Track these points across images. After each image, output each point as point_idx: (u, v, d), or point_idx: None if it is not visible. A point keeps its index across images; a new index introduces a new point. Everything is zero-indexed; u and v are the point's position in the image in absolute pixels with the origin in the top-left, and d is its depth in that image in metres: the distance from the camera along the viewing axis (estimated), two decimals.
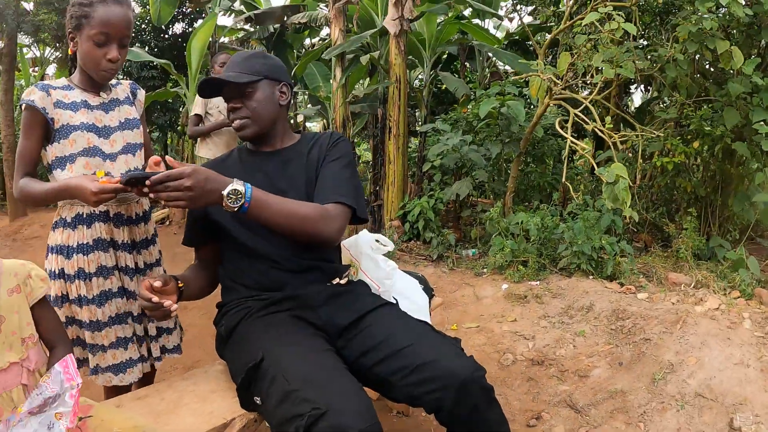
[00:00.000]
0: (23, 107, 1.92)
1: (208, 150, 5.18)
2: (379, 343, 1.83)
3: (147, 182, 1.58)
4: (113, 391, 2.08)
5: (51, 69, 15.13)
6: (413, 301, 2.40)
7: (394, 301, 2.18)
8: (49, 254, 2.03)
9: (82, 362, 2.08)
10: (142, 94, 2.28)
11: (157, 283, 1.72)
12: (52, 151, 1.95)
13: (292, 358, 1.66)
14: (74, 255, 1.97)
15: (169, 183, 1.60)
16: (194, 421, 1.77)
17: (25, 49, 15.10)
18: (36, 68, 15.92)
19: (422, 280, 2.80)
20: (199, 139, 5.25)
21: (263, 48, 10.35)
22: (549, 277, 4.64)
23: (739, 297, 3.69)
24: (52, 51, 11.22)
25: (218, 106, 5.08)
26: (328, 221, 1.89)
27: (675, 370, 3.05)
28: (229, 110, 2.02)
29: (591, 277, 4.48)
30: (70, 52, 2.03)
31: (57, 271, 2.00)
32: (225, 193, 1.68)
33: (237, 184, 1.71)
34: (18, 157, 1.96)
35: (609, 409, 3.02)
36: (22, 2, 8.37)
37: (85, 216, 1.98)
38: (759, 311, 3.40)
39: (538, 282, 4.56)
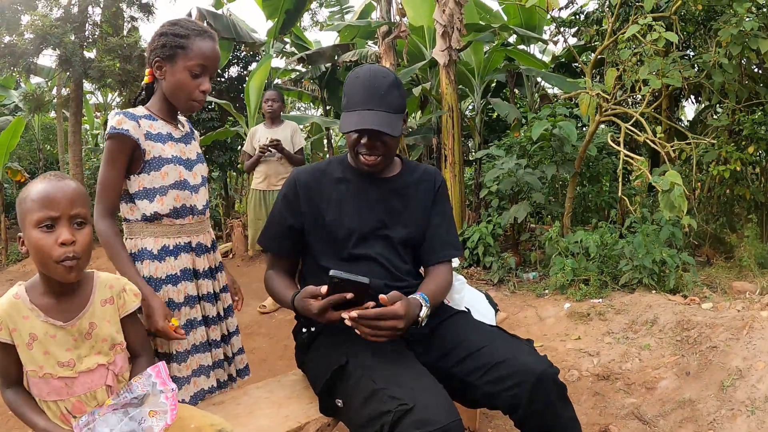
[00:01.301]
0: (110, 136, 1.89)
1: (256, 181, 5.47)
2: (457, 346, 1.91)
3: (350, 316, 1.64)
4: None
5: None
6: (482, 313, 2.51)
7: (467, 311, 2.26)
8: None
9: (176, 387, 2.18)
10: (197, 134, 2.30)
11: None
12: (140, 182, 1.94)
13: (376, 360, 1.73)
14: (162, 286, 1.97)
15: (380, 322, 1.67)
16: (269, 424, 1.85)
17: (88, 95, 16.04)
18: (99, 113, 16.85)
19: (487, 296, 2.91)
20: (256, 173, 5.52)
21: (316, 87, 10.73)
22: (611, 294, 4.61)
23: None
24: (114, 96, 11.89)
25: (259, 140, 5.36)
26: (451, 281, 2.12)
27: (743, 376, 3.01)
28: (365, 146, 1.95)
29: (654, 291, 4.43)
30: (147, 80, 2.04)
31: None
32: (421, 320, 1.81)
33: (425, 307, 1.82)
34: (102, 188, 1.91)
35: (678, 419, 3.00)
36: (85, 51, 8.91)
37: (171, 247, 1.99)
38: None
39: (600, 299, 4.54)
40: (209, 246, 2.15)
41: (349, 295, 1.66)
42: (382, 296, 1.70)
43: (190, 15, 8.88)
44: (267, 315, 5.27)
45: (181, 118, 2.17)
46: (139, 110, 1.99)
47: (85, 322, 1.59)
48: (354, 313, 1.65)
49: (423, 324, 1.84)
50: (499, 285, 5.66)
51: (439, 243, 2.12)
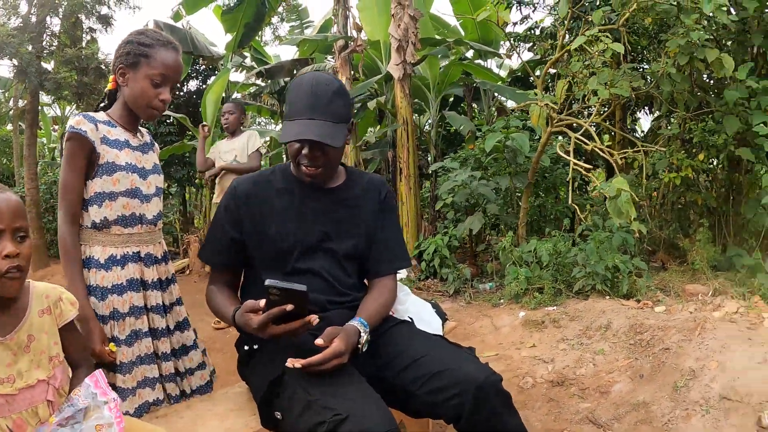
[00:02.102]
0: (69, 136, 1.90)
1: (215, 195, 5.31)
2: (398, 356, 1.85)
3: (300, 365, 1.61)
4: None
5: None
6: (427, 323, 2.42)
7: (410, 320, 2.19)
8: None
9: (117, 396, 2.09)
10: (157, 147, 2.29)
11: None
12: (92, 187, 1.93)
13: (312, 371, 1.66)
14: (108, 296, 1.95)
15: (325, 365, 1.64)
16: None
17: (46, 108, 15.66)
18: (56, 126, 16.45)
19: (435, 305, 2.83)
20: (217, 185, 5.35)
21: (275, 102, 10.64)
22: (565, 301, 4.59)
23: (759, 301, 3.61)
24: (71, 109, 11.61)
25: (219, 151, 5.21)
26: (396, 293, 2.08)
27: (697, 376, 2.97)
28: (306, 156, 1.86)
29: (607, 297, 4.42)
30: (111, 86, 2.05)
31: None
32: (361, 346, 1.76)
33: (364, 334, 1.78)
34: (62, 191, 1.92)
35: (632, 422, 2.94)
36: (42, 62, 8.70)
37: (118, 257, 1.97)
38: None
39: (554, 307, 4.51)
40: (159, 257, 2.11)
41: (289, 307, 1.60)
42: (313, 316, 1.66)
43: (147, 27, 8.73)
44: (222, 330, 5.07)
45: (143, 129, 2.19)
46: (100, 115, 2.00)
47: (24, 334, 1.51)
48: (298, 365, 1.61)
49: (364, 350, 1.79)
50: (456, 296, 5.61)
51: (384, 255, 2.06)
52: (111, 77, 2.03)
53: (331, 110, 1.83)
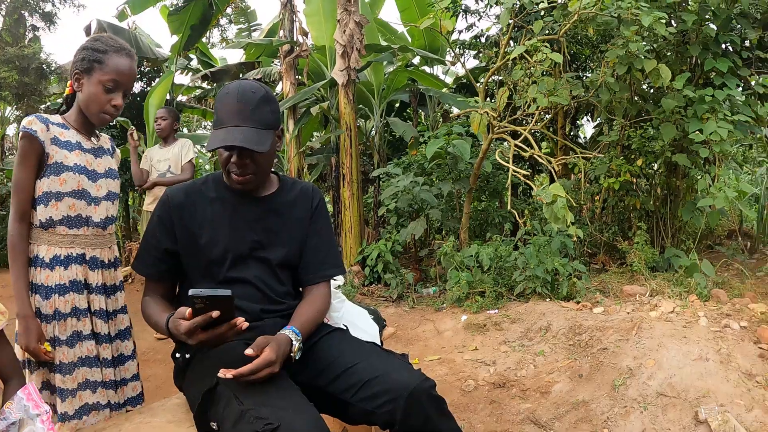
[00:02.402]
0: (21, 135, 1.94)
1: (147, 202, 5.13)
2: (330, 364, 1.85)
3: (231, 375, 1.59)
4: None
5: (11, 129, 14.93)
6: (363, 330, 2.40)
7: (344, 328, 2.18)
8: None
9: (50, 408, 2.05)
10: (118, 153, 2.33)
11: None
12: (40, 186, 1.96)
13: (244, 381, 1.65)
14: (52, 295, 1.97)
15: (256, 375, 1.62)
16: None
17: None
18: None
19: (373, 312, 2.81)
20: (147, 193, 5.17)
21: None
22: (507, 304, 4.61)
23: (695, 300, 3.70)
24: (12, 110, 11.10)
25: (151, 160, 5.03)
26: (329, 301, 2.08)
27: (634, 374, 3.01)
28: (235, 164, 1.86)
29: (548, 299, 4.47)
30: (68, 92, 2.10)
31: (34, 311, 1.98)
32: (294, 355, 1.75)
33: (296, 342, 1.76)
34: (13, 189, 1.96)
35: (573, 420, 2.96)
36: None
37: (62, 257, 1.99)
38: (714, 308, 3.41)
39: (496, 310, 4.53)
40: (107, 262, 2.13)
41: (215, 314, 1.57)
42: (240, 319, 1.62)
43: (89, 27, 8.45)
44: (163, 341, 4.88)
45: (104, 135, 2.23)
46: (55, 117, 2.04)
47: None
48: (229, 375, 1.60)
49: (297, 358, 1.79)
50: (399, 301, 5.57)
51: (317, 262, 2.06)
52: (69, 82, 2.08)
53: (257, 117, 1.83)
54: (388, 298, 5.69)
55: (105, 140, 2.22)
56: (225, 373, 1.60)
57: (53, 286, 1.97)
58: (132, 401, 2.21)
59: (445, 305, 5.04)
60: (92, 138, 2.11)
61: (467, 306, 4.73)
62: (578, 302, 4.21)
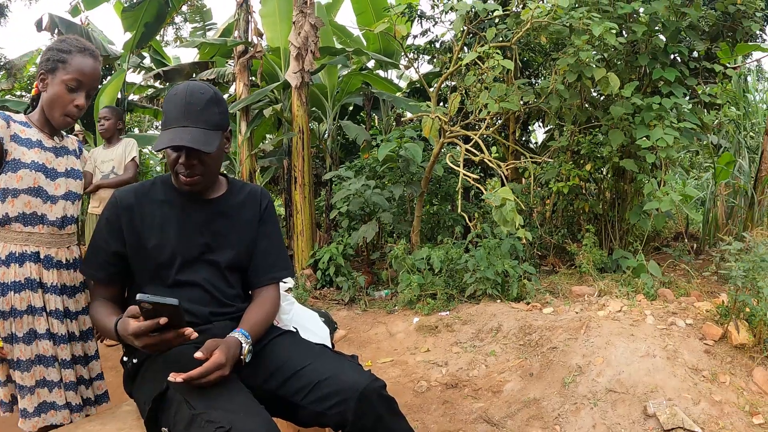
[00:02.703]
0: None
1: (92, 205, 4.96)
2: (280, 367, 1.85)
3: (182, 379, 1.59)
4: None
5: None
6: (313, 332, 2.40)
7: (294, 331, 2.17)
8: None
9: (13, 401, 2.07)
10: (86, 154, 2.33)
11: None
12: None
13: (194, 385, 1.64)
14: (8, 292, 1.98)
15: (207, 378, 1.62)
16: None
17: None
18: None
19: (324, 314, 2.81)
20: (92, 196, 5.00)
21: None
22: (458, 306, 4.64)
23: (642, 299, 3.80)
24: None
25: (95, 161, 4.88)
26: (278, 303, 2.08)
27: (583, 372, 3.06)
28: (183, 165, 1.85)
29: (498, 300, 4.52)
30: (34, 92, 2.11)
31: None
32: (244, 357, 1.76)
33: (245, 344, 1.77)
34: None
35: (524, 418, 2.99)
36: None
37: (17, 255, 1.99)
38: (660, 307, 3.50)
39: (447, 312, 4.55)
40: (64, 262, 2.11)
41: (163, 320, 1.57)
42: (188, 329, 1.62)
43: (41, 21, 8.17)
44: (114, 347, 4.70)
45: (72, 137, 2.25)
46: (18, 116, 2.06)
47: None
48: (179, 378, 1.59)
49: (247, 360, 1.79)
50: (351, 304, 5.53)
51: (265, 264, 2.07)
52: (35, 83, 2.09)
53: (204, 117, 1.83)
54: (340, 301, 5.65)
55: (71, 141, 2.23)
56: (175, 377, 1.58)
57: (9, 283, 1.97)
58: (99, 399, 2.23)
59: (396, 308, 5.03)
60: (55, 137, 2.12)
61: (419, 308, 4.74)
62: (528, 303, 4.26)
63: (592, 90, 5.29)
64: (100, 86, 9.05)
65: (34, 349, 2.01)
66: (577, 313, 3.75)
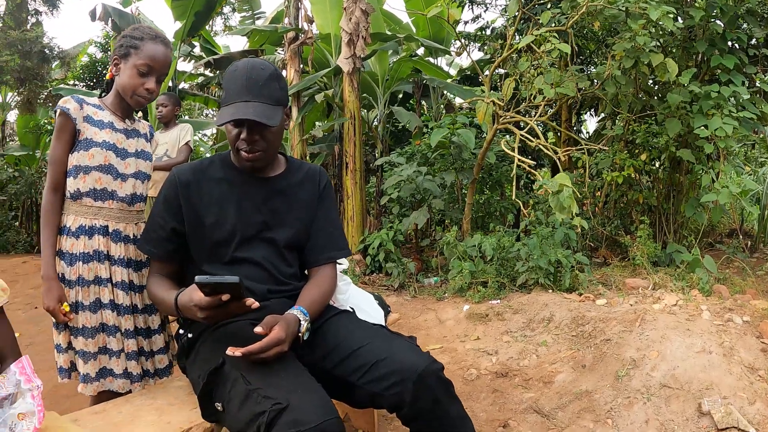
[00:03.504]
0: (58, 113, 2.09)
1: (149, 188, 5.14)
2: (337, 346, 1.84)
3: (240, 353, 1.59)
4: (99, 402, 2.08)
5: (12, 115, 14.83)
6: (368, 314, 2.41)
7: (351, 311, 2.17)
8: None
9: (71, 368, 2.15)
10: (156, 139, 2.48)
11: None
12: (71, 160, 2.09)
13: (252, 360, 1.64)
14: (77, 262, 2.08)
15: (266, 353, 1.61)
16: (151, 431, 1.75)
17: None
18: None
19: (377, 297, 2.81)
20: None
21: (223, 92, 10.40)
22: (509, 294, 4.63)
23: (697, 294, 3.73)
24: (13, 95, 11.07)
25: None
26: (335, 282, 2.09)
27: (638, 365, 3.03)
28: (244, 140, 1.87)
29: (550, 290, 4.49)
30: (108, 77, 2.24)
31: (59, 276, 2.09)
32: (302, 335, 1.75)
33: (304, 322, 1.77)
34: (49, 162, 2.12)
35: (576, 410, 2.97)
36: None
37: (87, 227, 2.10)
38: (717, 303, 3.43)
39: (498, 300, 4.55)
40: (132, 237, 2.20)
41: (225, 297, 1.59)
42: (250, 299, 1.64)
43: (94, 11, 8.42)
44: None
45: (144, 122, 2.37)
46: (92, 99, 2.18)
47: None
48: (238, 353, 1.59)
49: (305, 338, 1.78)
50: (400, 290, 5.59)
51: (323, 244, 2.07)
52: (109, 68, 2.21)
53: (266, 92, 1.84)
54: (389, 287, 5.71)
55: (143, 125, 2.34)
56: (234, 351, 1.59)
57: (77, 254, 2.08)
58: (160, 372, 2.28)
59: (446, 295, 5.06)
60: (126, 120, 2.23)
61: (469, 296, 4.75)
62: (581, 294, 4.23)
63: (648, 77, 5.15)
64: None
65: (99, 317, 2.10)
66: (631, 305, 3.70)
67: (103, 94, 2.27)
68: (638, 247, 4.48)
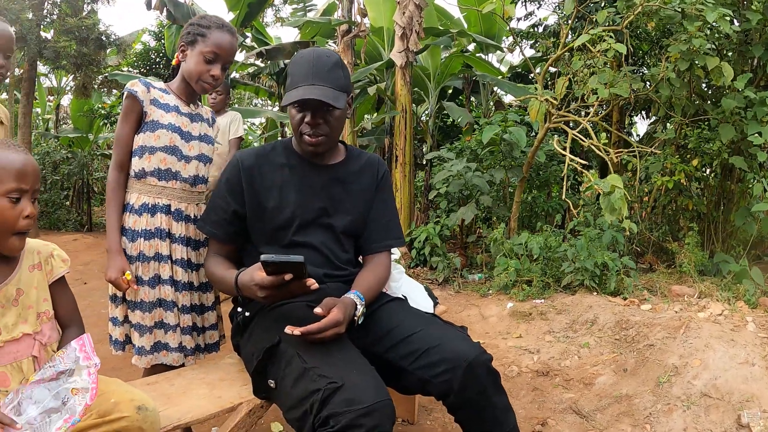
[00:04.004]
0: (125, 95, 2.16)
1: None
2: (390, 331, 1.88)
3: (299, 332, 1.64)
4: (151, 374, 2.18)
5: (66, 99, 15.34)
6: (419, 303, 2.45)
7: (403, 298, 2.23)
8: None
9: (126, 341, 2.23)
10: (218, 125, 2.53)
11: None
12: (137, 140, 2.16)
13: (309, 340, 1.68)
14: (138, 239, 2.15)
15: (323, 334, 1.66)
16: (201, 404, 1.82)
17: (42, 78, 15.37)
18: (52, 97, 16.21)
19: (427, 289, 2.88)
20: None
21: (274, 83, 10.59)
22: (553, 295, 4.66)
23: (743, 306, 3.70)
24: (68, 81, 11.54)
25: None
26: (390, 270, 2.14)
27: (679, 373, 3.05)
28: (308, 123, 1.91)
29: (595, 293, 4.50)
30: (174, 63, 2.30)
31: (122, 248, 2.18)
32: (357, 318, 1.80)
33: (360, 306, 1.82)
34: (114, 142, 2.20)
35: (615, 413, 3.01)
36: (42, 31, 8.61)
37: (150, 206, 2.16)
38: (763, 315, 3.41)
39: (542, 300, 4.58)
40: (192, 217, 2.26)
41: (288, 276, 1.63)
42: (311, 280, 1.67)
43: (150, 0, 8.68)
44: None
45: (207, 108, 2.44)
46: (159, 83, 2.26)
47: (12, 288, 1.53)
48: (297, 331, 1.64)
49: (359, 322, 1.83)
50: (444, 285, 5.67)
51: (379, 232, 2.12)
52: (176, 54, 2.27)
53: (331, 78, 1.89)
54: (433, 281, 5.79)
55: (206, 111, 2.41)
56: (292, 330, 1.64)
57: (139, 231, 2.15)
58: (210, 347, 2.37)
59: (491, 291, 5.11)
60: (191, 105, 2.29)
61: (513, 294, 4.79)
62: (625, 298, 4.23)
63: (703, 81, 5.06)
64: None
65: (157, 293, 2.16)
66: (676, 312, 3.70)
67: (168, 79, 2.34)
68: (685, 254, 4.44)
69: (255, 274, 1.69)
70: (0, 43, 2.19)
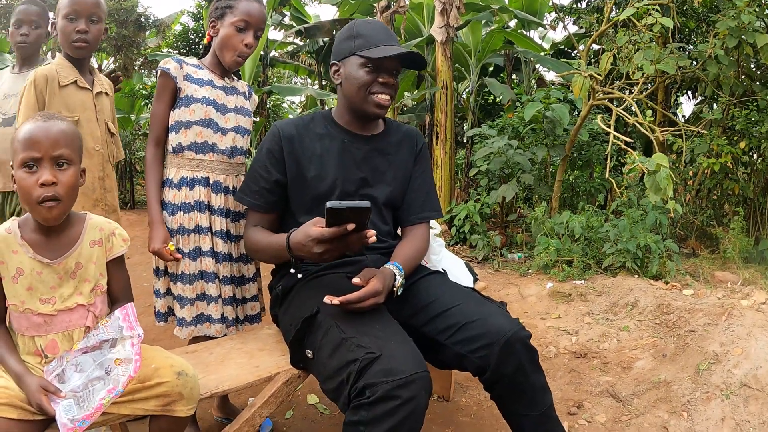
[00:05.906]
0: (159, 73, 2.21)
1: None
2: (428, 305, 1.90)
3: (338, 301, 1.65)
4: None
5: None
6: (458, 278, 2.45)
7: (443, 272, 2.24)
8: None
9: (168, 313, 2.29)
10: (255, 98, 2.53)
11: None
12: (173, 116, 2.20)
13: (346, 311, 1.70)
14: (178, 212, 2.20)
15: (362, 303, 1.68)
16: (239, 373, 1.87)
17: None
18: None
19: (467, 265, 2.89)
20: None
21: (313, 61, 10.62)
22: (594, 276, 4.64)
23: None
24: (108, 63, 11.79)
25: None
26: (429, 242, 2.15)
27: (720, 361, 3.03)
28: (382, 83, 1.94)
29: (636, 275, 4.47)
30: (206, 40, 2.35)
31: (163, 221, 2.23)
32: (396, 290, 1.82)
33: (399, 277, 1.83)
34: (151, 119, 2.25)
35: (652, 399, 3.01)
36: None
37: (188, 179, 2.21)
38: None
39: (582, 281, 4.57)
40: (231, 188, 2.28)
41: (351, 226, 1.60)
42: (371, 231, 1.66)
43: None
44: None
45: (243, 82, 2.45)
46: (191, 59, 2.29)
47: (72, 261, 1.59)
48: (336, 301, 1.65)
49: (398, 293, 1.83)
50: (484, 263, 5.69)
51: (418, 204, 2.13)
52: (207, 32, 2.31)
53: (396, 40, 1.98)
54: (473, 259, 5.81)
55: (241, 84, 2.43)
56: (331, 299, 1.65)
57: (179, 204, 2.20)
58: (250, 319, 2.41)
59: (530, 271, 5.12)
60: (225, 78, 2.31)
61: (553, 274, 4.79)
62: (667, 282, 4.19)
63: (752, 59, 4.88)
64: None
65: (198, 265, 2.20)
66: (719, 298, 3.66)
67: (201, 57, 2.36)
68: (730, 240, 4.36)
69: (311, 229, 1.67)
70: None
